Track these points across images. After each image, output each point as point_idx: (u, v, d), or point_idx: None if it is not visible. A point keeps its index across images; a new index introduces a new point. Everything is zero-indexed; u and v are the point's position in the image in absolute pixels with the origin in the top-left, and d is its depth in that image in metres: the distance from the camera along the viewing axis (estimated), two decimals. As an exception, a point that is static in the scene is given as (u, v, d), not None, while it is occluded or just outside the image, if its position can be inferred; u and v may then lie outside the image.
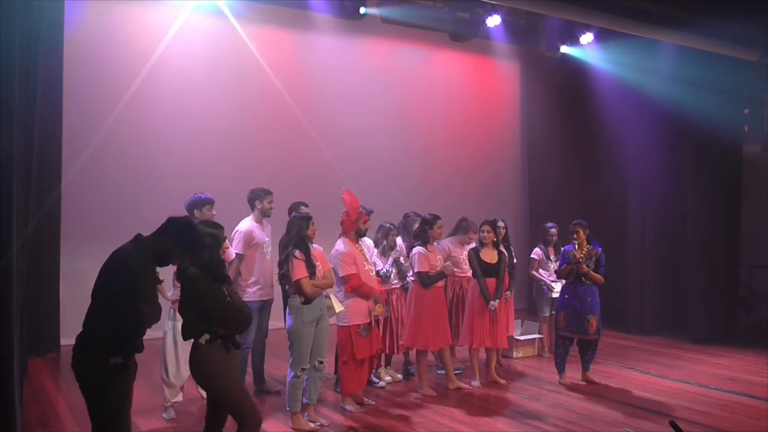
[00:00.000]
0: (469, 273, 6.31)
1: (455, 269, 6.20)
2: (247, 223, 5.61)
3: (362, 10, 8.21)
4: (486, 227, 6.10)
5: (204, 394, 4.32)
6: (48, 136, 6.73)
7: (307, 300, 4.80)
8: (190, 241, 3.30)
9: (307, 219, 5.00)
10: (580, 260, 5.96)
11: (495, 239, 6.12)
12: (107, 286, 3.12)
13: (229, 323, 3.48)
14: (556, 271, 6.51)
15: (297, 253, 4.80)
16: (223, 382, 3.49)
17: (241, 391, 3.60)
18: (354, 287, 5.17)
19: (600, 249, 6.08)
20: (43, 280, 6.96)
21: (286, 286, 4.97)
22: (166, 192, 7.58)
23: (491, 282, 6.00)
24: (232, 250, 5.42)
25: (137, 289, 3.09)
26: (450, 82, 10.27)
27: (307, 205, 5.83)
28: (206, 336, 3.44)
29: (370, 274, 5.35)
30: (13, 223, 3.43)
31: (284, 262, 4.85)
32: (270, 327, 5.87)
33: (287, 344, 4.94)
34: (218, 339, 3.45)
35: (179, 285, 3.69)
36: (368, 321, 5.23)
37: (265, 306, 5.68)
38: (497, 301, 5.95)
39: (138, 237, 3.24)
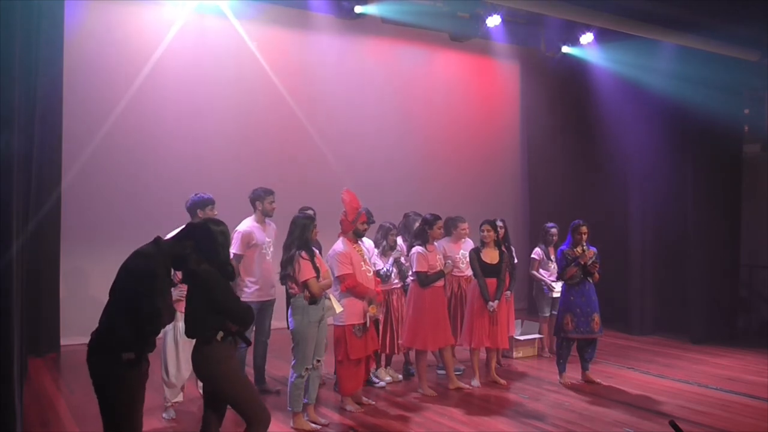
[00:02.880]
0: (468, 272, 6.33)
1: (453, 268, 6.21)
2: (246, 224, 5.61)
3: (357, 9, 8.19)
4: (486, 226, 6.09)
5: (203, 393, 4.31)
6: (48, 136, 6.74)
7: (313, 300, 4.80)
8: (208, 245, 3.41)
9: (311, 219, 5.00)
10: (593, 260, 6.00)
11: (496, 238, 6.12)
12: (128, 285, 3.17)
13: (241, 319, 3.52)
14: (558, 273, 6.50)
15: (303, 254, 4.80)
16: (232, 381, 3.50)
17: (250, 389, 3.62)
18: (349, 287, 5.16)
19: (595, 249, 6.12)
20: (43, 280, 6.95)
21: (289, 286, 4.96)
22: (167, 192, 7.59)
23: (492, 282, 6.00)
24: (231, 250, 5.42)
25: (160, 292, 3.18)
26: (450, 82, 10.27)
27: (313, 210, 5.81)
28: (221, 333, 3.45)
29: (368, 274, 5.34)
30: (13, 224, 3.43)
31: (288, 263, 4.85)
32: (270, 327, 5.87)
33: (288, 344, 4.95)
34: (230, 336, 3.47)
35: (182, 285, 3.71)
36: (363, 321, 5.23)
37: (265, 306, 5.68)
38: (496, 301, 5.95)
39: (158, 240, 3.31)
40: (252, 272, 5.56)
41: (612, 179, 9.15)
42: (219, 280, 3.44)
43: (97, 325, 3.22)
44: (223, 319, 3.45)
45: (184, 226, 3.52)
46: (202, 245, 3.39)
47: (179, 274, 3.58)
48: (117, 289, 3.21)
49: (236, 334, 3.50)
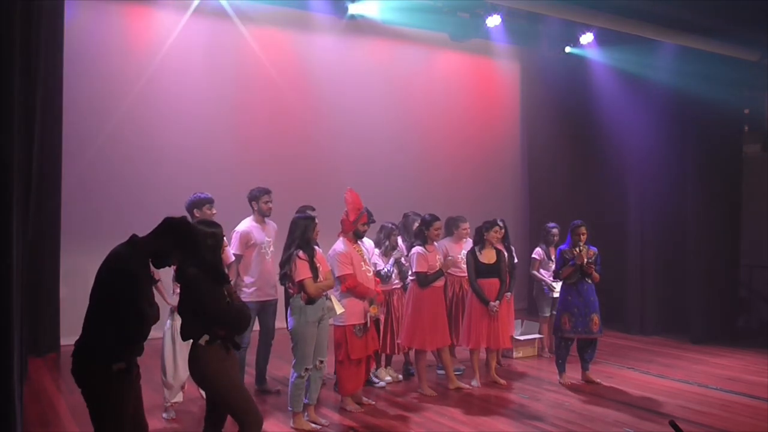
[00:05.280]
0: (469, 273, 6.31)
1: (454, 267, 6.20)
2: (245, 224, 5.61)
3: (351, 9, 8.20)
4: (496, 227, 6.06)
5: (204, 394, 4.32)
6: (48, 136, 6.71)
7: (310, 300, 4.80)
8: (189, 241, 3.22)
9: (312, 219, 5.00)
10: (590, 260, 5.99)
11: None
12: (108, 290, 3.05)
13: (229, 324, 3.47)
14: (554, 272, 6.49)
15: (300, 253, 4.80)
16: (223, 383, 3.48)
17: (241, 391, 3.58)
18: (349, 287, 5.16)
19: (595, 249, 6.11)
20: (43, 280, 6.95)
21: (288, 286, 4.97)
22: (167, 192, 7.58)
23: (492, 282, 5.99)
24: (231, 250, 5.41)
25: (140, 293, 3.06)
26: (450, 82, 10.27)
27: (314, 209, 5.80)
28: (206, 337, 3.43)
29: (368, 274, 5.35)
30: (13, 224, 3.43)
31: (286, 263, 4.85)
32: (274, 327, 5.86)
33: (289, 344, 4.95)
34: (218, 340, 3.44)
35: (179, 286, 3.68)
36: (364, 321, 5.23)
37: (265, 306, 5.67)
38: (498, 302, 5.94)
39: (133, 238, 3.16)
40: (251, 272, 5.55)
41: (612, 179, 9.15)
42: (205, 285, 3.38)
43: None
44: (211, 322, 3.42)
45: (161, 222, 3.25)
46: (181, 242, 3.18)
47: (158, 273, 3.45)
48: (97, 296, 3.07)
49: (224, 339, 3.44)
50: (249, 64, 8.63)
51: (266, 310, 5.69)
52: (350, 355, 5.16)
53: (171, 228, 3.19)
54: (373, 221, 5.65)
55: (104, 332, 3.03)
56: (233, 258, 5.41)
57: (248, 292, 5.51)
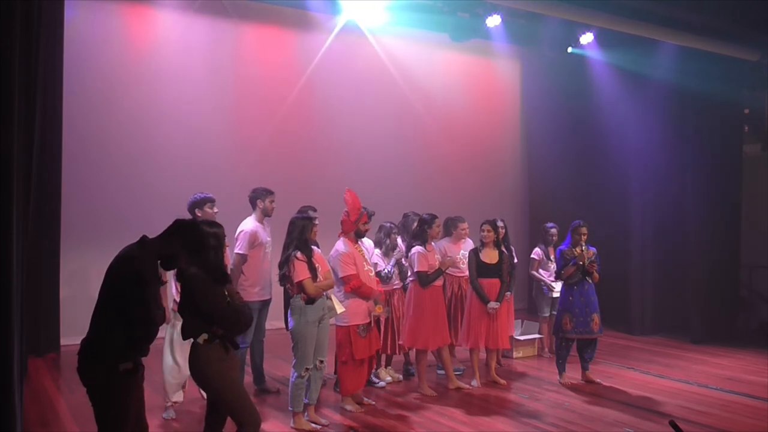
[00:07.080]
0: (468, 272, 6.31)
1: (453, 268, 6.20)
2: (251, 224, 5.56)
3: (350, 10, 8.19)
4: (486, 227, 6.09)
5: (204, 394, 4.32)
6: (48, 136, 6.73)
7: (310, 300, 4.80)
8: (197, 243, 3.27)
9: (310, 219, 5.00)
10: (590, 260, 6.00)
11: (496, 239, 6.11)
12: (117, 291, 3.07)
13: (229, 324, 3.47)
14: (556, 273, 6.49)
15: (298, 254, 4.80)
16: (221, 383, 3.48)
17: (239, 391, 3.59)
18: (354, 288, 5.16)
19: (594, 249, 6.12)
20: (43, 280, 6.95)
21: (287, 287, 4.97)
22: (167, 191, 7.60)
23: (493, 282, 5.99)
24: (234, 250, 5.40)
25: (150, 294, 3.07)
26: (450, 83, 10.26)
27: (315, 210, 5.79)
28: (204, 336, 3.43)
29: (370, 274, 5.35)
30: (13, 224, 3.43)
31: (285, 263, 4.85)
32: (268, 327, 5.87)
33: (289, 344, 4.95)
34: (217, 339, 3.44)
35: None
36: (368, 321, 5.23)
37: (264, 306, 5.68)
38: (497, 303, 5.94)
39: (144, 239, 3.19)
40: (256, 272, 5.53)
41: (612, 179, 9.15)
42: (205, 284, 3.38)
43: None
44: (210, 322, 3.42)
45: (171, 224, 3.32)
46: (189, 245, 3.23)
47: (166, 275, 3.46)
48: (106, 295, 3.09)
49: (222, 338, 3.44)
50: (249, 63, 8.64)
51: (263, 309, 5.69)
52: (354, 355, 5.16)
53: (180, 230, 3.23)
54: (373, 213, 5.61)
55: (112, 332, 3.05)
56: (235, 258, 5.39)
57: (254, 291, 5.49)
